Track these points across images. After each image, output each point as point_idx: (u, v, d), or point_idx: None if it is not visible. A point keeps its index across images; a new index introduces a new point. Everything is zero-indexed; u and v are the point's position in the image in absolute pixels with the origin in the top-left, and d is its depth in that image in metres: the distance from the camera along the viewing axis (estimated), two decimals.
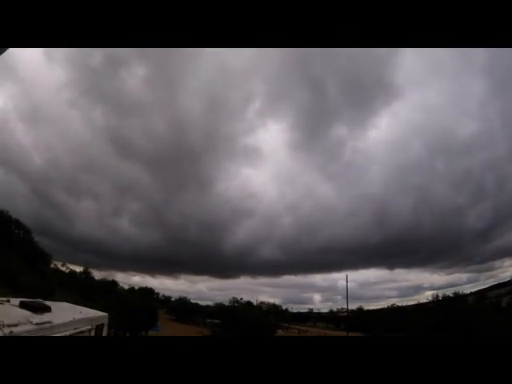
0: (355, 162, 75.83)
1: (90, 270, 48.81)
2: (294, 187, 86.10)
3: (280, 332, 34.55)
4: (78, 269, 48.26)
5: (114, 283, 54.59)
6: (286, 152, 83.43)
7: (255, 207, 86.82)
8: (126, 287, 59.82)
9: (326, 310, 72.44)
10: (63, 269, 46.45)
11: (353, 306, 56.66)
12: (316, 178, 79.70)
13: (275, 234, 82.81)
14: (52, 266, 43.54)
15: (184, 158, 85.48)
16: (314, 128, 73.87)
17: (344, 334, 38.62)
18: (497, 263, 63.48)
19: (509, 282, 50.91)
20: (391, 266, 78.80)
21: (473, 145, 71.38)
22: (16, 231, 39.89)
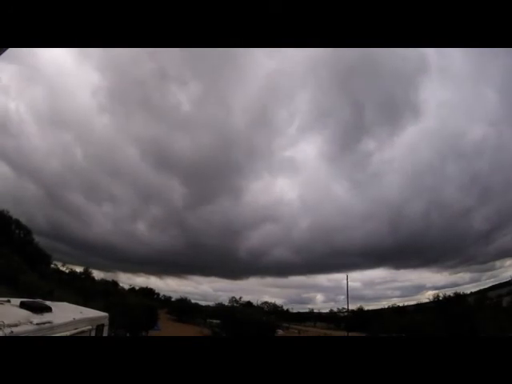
0: (378, 171, 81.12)
1: (93, 270, 48.89)
2: (317, 194, 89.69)
3: (280, 332, 34.54)
4: (79, 269, 48.32)
5: (115, 283, 54.69)
6: (317, 163, 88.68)
7: (278, 213, 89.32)
8: (133, 288, 60.19)
9: (327, 310, 72.68)
10: (63, 269, 46.51)
11: (356, 306, 57.40)
12: (340, 186, 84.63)
13: (291, 237, 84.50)
14: (52, 266, 43.60)
15: (218, 169, 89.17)
16: (346, 141, 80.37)
17: (344, 333, 38.62)
18: (498, 263, 63.94)
19: (509, 282, 50.92)
20: (397, 267, 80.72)
21: (481, 148, 73.91)
22: (16, 231, 39.94)
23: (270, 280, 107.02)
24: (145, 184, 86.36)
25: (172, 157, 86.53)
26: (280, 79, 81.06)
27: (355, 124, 76.33)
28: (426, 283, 74.52)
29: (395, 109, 71.52)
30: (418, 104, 73.04)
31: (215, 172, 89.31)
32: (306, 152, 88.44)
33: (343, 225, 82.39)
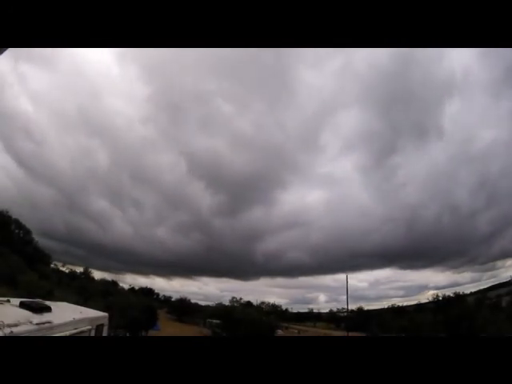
0: (401, 181, 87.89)
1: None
2: (343, 203, 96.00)
3: (280, 332, 34.54)
4: (78, 269, 48.33)
5: (114, 283, 54.67)
6: (348, 175, 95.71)
7: (302, 220, 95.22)
8: (133, 288, 60.41)
9: (327, 310, 73.01)
10: (63, 269, 46.51)
11: (361, 306, 58.13)
12: (364, 194, 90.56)
13: (309, 241, 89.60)
14: (52, 266, 43.59)
15: (256, 181, 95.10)
16: (378, 157, 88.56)
17: (344, 333, 38.62)
18: (500, 263, 64.90)
19: (509, 282, 50.95)
20: (404, 267, 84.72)
21: (489, 152, 79.38)
22: (16, 231, 39.91)
23: (280, 280, 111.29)
24: (173, 192, 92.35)
25: (209, 167, 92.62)
26: (328, 100, 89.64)
27: (388, 142, 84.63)
28: (429, 283, 76.60)
29: (422, 128, 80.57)
30: (442, 123, 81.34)
31: (252, 183, 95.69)
32: (340, 165, 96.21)
33: (361, 228, 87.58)
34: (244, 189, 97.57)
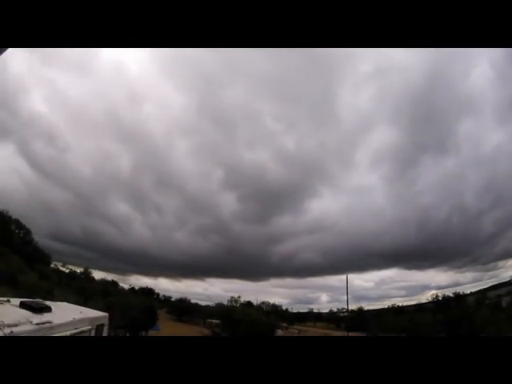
0: (420, 188, 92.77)
1: (90, 269, 49.02)
2: (363, 209, 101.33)
3: (280, 332, 34.53)
4: (79, 269, 48.34)
5: (114, 283, 54.65)
6: (374, 185, 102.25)
7: (321, 225, 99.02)
8: (133, 288, 60.60)
9: (328, 310, 73.30)
10: (63, 269, 46.49)
11: (363, 306, 58.76)
12: (383, 201, 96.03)
13: (325, 242, 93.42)
14: (52, 266, 43.57)
15: (284, 189, 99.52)
16: (401, 168, 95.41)
17: (344, 333, 38.63)
18: (501, 263, 65.78)
19: (509, 281, 50.93)
20: (409, 267, 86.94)
21: (496, 155, 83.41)
22: (16, 231, 39.90)
23: (289, 281, 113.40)
24: (199, 198, 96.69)
25: (245, 178, 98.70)
26: (364, 118, 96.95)
27: (410, 156, 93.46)
28: (432, 283, 78.37)
29: (441, 144, 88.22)
30: (459, 139, 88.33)
31: (284, 193, 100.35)
32: (367, 177, 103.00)
33: (375, 231, 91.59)
34: (275, 198, 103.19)
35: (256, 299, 52.21)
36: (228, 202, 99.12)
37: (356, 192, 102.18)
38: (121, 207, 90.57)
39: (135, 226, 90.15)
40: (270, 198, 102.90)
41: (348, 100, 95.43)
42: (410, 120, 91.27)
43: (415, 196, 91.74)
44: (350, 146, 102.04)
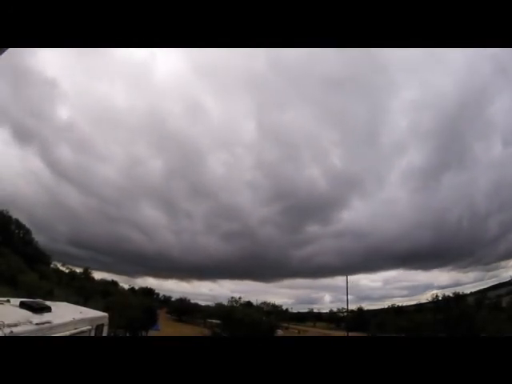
0: (440, 196, 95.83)
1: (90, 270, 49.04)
2: (389, 215, 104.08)
3: (280, 332, 34.54)
4: (78, 269, 48.34)
5: (114, 283, 54.64)
6: (401, 196, 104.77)
7: (348, 230, 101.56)
8: (133, 288, 60.74)
9: (328, 311, 73.54)
10: (63, 269, 46.48)
11: (365, 306, 59.50)
12: (405, 208, 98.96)
13: (346, 246, 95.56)
14: (52, 266, 43.57)
15: (324, 202, 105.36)
16: (425, 180, 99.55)
17: (344, 333, 38.64)
18: (503, 263, 66.85)
19: (509, 281, 50.94)
20: (415, 267, 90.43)
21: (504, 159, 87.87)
22: (16, 231, 39.93)
23: (299, 281, 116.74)
24: (230, 206, 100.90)
25: (287, 190, 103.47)
26: (401, 138, 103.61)
27: (435, 170, 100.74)
28: (435, 282, 79.99)
29: (464, 160, 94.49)
30: (475, 153, 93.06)
31: (316, 203, 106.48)
32: (396, 190, 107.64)
33: (392, 235, 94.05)
34: (309, 208, 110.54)
35: (256, 299, 52.27)
36: (262, 211, 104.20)
37: (383, 203, 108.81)
38: (149, 212, 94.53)
39: (161, 230, 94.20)
40: (305, 208, 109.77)
41: (389, 124, 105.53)
42: (436, 141, 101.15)
43: (432, 203, 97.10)
44: (385, 164, 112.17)
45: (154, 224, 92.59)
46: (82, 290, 33.01)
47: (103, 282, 48.17)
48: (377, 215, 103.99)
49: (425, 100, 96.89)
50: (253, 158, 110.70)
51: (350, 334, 35.48)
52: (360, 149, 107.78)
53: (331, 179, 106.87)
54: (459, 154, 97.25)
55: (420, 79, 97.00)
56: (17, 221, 39.95)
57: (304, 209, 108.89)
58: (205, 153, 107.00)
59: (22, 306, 4.62)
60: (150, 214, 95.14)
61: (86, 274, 47.58)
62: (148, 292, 62.86)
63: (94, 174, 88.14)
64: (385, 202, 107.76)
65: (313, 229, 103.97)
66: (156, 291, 69.65)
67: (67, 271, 46.60)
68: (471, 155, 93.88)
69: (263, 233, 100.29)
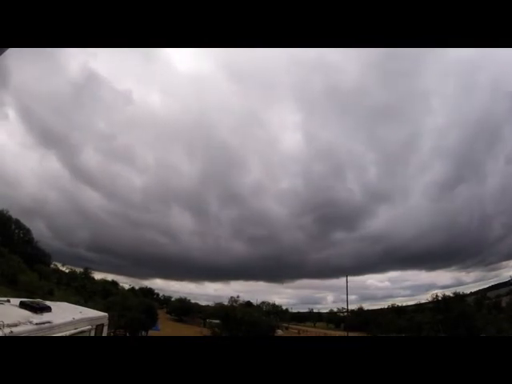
0: (456, 203, 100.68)
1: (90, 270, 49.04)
2: (407, 219, 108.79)
3: (280, 332, 34.55)
4: (78, 269, 48.29)
5: (114, 283, 54.62)
6: (420, 203, 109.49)
7: (366, 234, 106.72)
8: (133, 288, 60.85)
9: (332, 310, 73.72)
10: (63, 269, 46.43)
11: (365, 306, 59.89)
12: (424, 215, 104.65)
13: (362, 249, 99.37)
14: (52, 266, 43.54)
15: (352, 212, 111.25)
16: (443, 191, 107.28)
17: (344, 333, 38.65)
18: (504, 263, 67.32)
19: (509, 281, 50.92)
20: (421, 268, 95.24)
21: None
22: (16, 231, 39.91)
23: (307, 282, 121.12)
24: (255, 211, 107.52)
25: (320, 203, 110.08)
26: (425, 153, 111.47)
27: (453, 182, 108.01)
28: (437, 282, 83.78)
29: (481, 171, 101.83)
30: (487, 167, 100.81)
31: (346, 213, 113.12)
32: (417, 200, 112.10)
33: (408, 238, 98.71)
34: (342, 217, 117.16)
35: (256, 299, 52.25)
36: (292, 218, 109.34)
37: (403, 211, 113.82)
38: (177, 217, 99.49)
39: (186, 234, 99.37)
40: (336, 217, 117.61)
41: (418, 145, 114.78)
42: (455, 159, 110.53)
43: (446, 210, 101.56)
44: (410, 180, 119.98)
45: (180, 228, 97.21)
46: (82, 290, 32.99)
47: (103, 282, 48.12)
48: (396, 221, 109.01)
49: (449, 123, 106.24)
50: (295, 168, 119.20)
51: (350, 333, 35.48)
52: (392, 167, 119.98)
53: (364, 193, 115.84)
54: (473, 169, 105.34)
55: (450, 105, 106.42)
56: (17, 221, 39.94)
57: (334, 218, 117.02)
58: (243, 159, 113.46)
59: (22, 305, 4.62)
60: (178, 218, 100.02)
61: (86, 274, 47.56)
62: (148, 292, 62.88)
63: (120, 178, 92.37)
64: (405, 210, 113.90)
65: (338, 235, 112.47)
66: (156, 291, 69.87)
67: (67, 271, 46.60)
68: (483, 170, 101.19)
69: (287, 238, 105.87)
